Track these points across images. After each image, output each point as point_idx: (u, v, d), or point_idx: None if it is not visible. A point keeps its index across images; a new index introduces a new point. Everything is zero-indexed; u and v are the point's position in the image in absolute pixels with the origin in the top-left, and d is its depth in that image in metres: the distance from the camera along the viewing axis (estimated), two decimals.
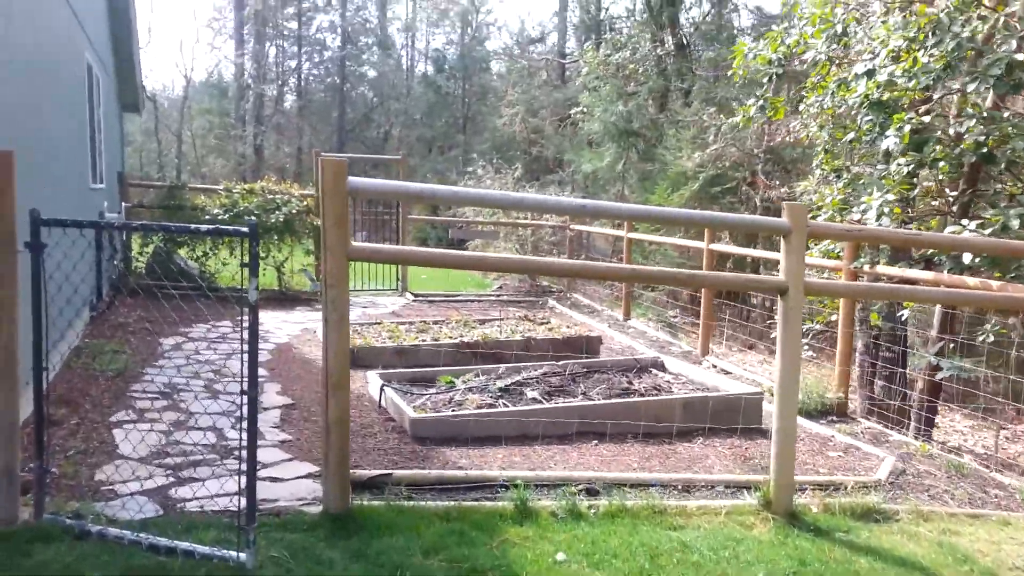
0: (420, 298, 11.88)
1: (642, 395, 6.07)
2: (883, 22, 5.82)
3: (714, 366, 8.73)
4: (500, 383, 6.07)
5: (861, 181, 6.68)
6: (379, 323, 8.64)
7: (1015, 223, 5.11)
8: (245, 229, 3.14)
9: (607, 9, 24.39)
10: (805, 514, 4.24)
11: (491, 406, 5.68)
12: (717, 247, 8.49)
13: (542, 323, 9.13)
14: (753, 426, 5.93)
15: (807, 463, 5.31)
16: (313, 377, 6.57)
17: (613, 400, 5.77)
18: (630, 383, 6.36)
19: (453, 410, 5.58)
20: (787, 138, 11.64)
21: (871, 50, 5.87)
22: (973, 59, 5.43)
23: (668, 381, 6.68)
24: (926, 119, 5.70)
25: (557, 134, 26.64)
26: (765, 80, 7.55)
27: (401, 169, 12.27)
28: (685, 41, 17.38)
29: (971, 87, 5.19)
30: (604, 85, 15.80)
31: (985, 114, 5.38)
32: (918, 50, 5.53)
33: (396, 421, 5.51)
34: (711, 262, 7.05)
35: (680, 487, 4.62)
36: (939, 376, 6.40)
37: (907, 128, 5.53)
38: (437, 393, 5.97)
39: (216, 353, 7.26)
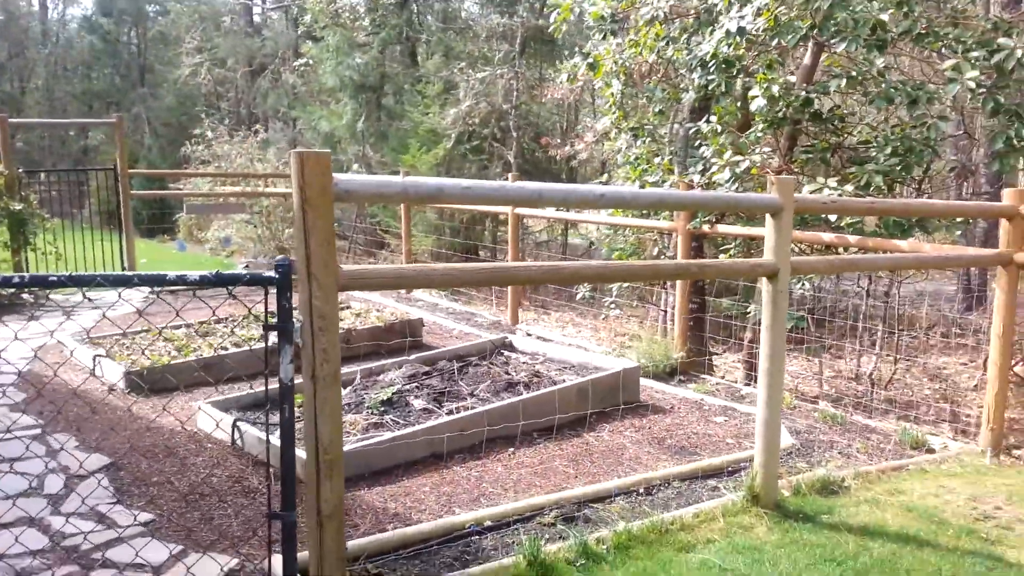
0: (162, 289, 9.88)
1: (527, 386, 5.49)
2: None
3: (528, 334, 8.43)
4: (377, 395, 5.06)
5: (699, 142, 6.64)
6: (148, 329, 6.89)
7: (878, 179, 5.35)
8: None
9: None
10: (784, 501, 4.03)
11: (379, 426, 4.70)
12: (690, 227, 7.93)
13: (340, 308, 8.03)
14: (637, 402, 5.71)
15: (709, 434, 5.19)
16: (111, 419, 4.95)
17: (513, 399, 5.10)
18: (507, 373, 5.72)
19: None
20: (553, 95, 11.54)
21: (728, 4, 5.74)
22: (822, 19, 5.52)
23: (530, 363, 6.16)
24: (792, 79, 5.76)
25: (253, 87, 24.29)
26: (597, 36, 7.16)
27: (119, 134, 9.95)
28: None
29: (840, 47, 5.28)
30: (332, 35, 14.41)
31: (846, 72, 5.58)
32: (778, 7, 5.52)
33: (273, 465, 4.28)
34: (687, 246, 6.57)
35: (641, 490, 4.17)
36: (753, 322, 6.69)
37: (775, 88, 5.51)
38: (301, 418, 4.78)
39: None
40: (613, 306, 8.77)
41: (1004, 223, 4.92)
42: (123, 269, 9.92)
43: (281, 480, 2.52)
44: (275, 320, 2.46)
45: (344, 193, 2.54)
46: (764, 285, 3.80)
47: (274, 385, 2.56)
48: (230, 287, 2.46)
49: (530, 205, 4.62)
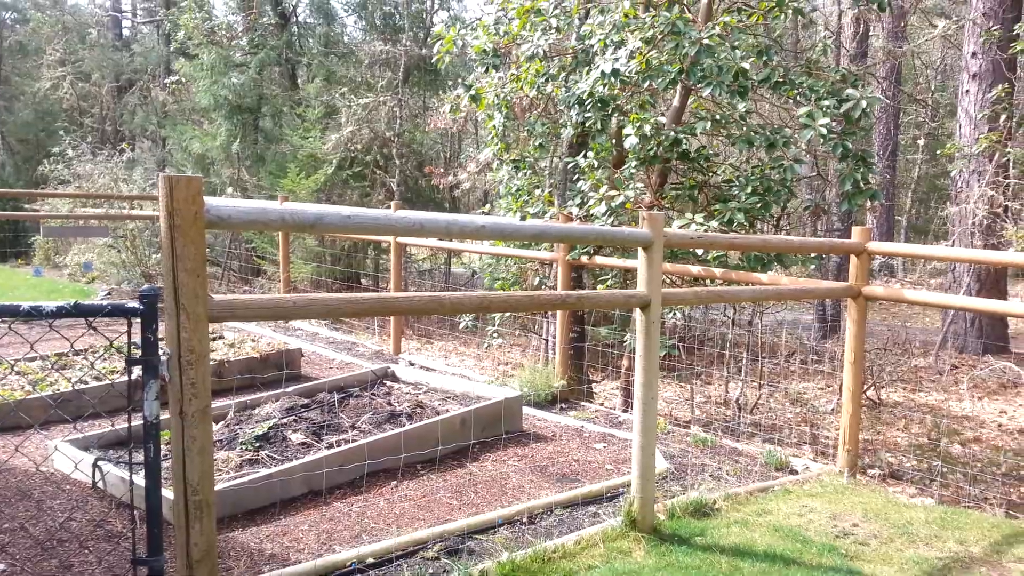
0: None
1: (410, 416, 5.45)
2: (616, 23, 5.97)
3: (411, 363, 8.39)
4: (252, 430, 4.88)
5: (577, 176, 6.86)
6: None
7: (740, 216, 5.70)
8: None
9: None
10: (660, 525, 4.18)
11: (254, 462, 4.53)
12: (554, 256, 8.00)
13: (213, 337, 7.71)
14: (519, 430, 5.79)
15: (589, 461, 5.32)
16: None
17: (395, 431, 5.05)
18: (389, 404, 5.66)
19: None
20: (438, 125, 11.60)
21: (603, 45, 5.99)
22: (689, 64, 5.86)
23: (411, 394, 6.12)
24: (662, 119, 6.05)
25: (119, 104, 23.10)
26: (480, 69, 7.28)
27: None
28: (288, 11, 16.24)
29: (706, 91, 5.62)
30: (208, 53, 13.93)
31: (714, 115, 5.93)
32: (649, 51, 5.81)
33: (138, 508, 4.03)
34: (567, 277, 6.60)
35: (524, 519, 4.22)
36: (629, 350, 6.96)
37: (647, 128, 5.78)
38: (168, 456, 4.54)
39: None
40: (496, 335, 8.85)
41: (853, 259, 5.35)
42: None
43: (147, 523, 2.40)
44: (139, 353, 2.34)
45: (217, 220, 2.47)
46: (638, 315, 3.96)
47: (138, 422, 2.44)
48: (90, 319, 2.33)
49: (413, 235, 4.62)
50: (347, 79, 14.33)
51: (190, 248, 2.33)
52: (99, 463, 4.20)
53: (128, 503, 4.02)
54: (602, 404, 7.44)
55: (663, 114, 7.21)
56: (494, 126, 7.76)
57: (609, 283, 7.48)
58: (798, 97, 5.82)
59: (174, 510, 2.50)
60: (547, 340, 8.71)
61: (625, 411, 7.04)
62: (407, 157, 13.51)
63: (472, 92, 7.26)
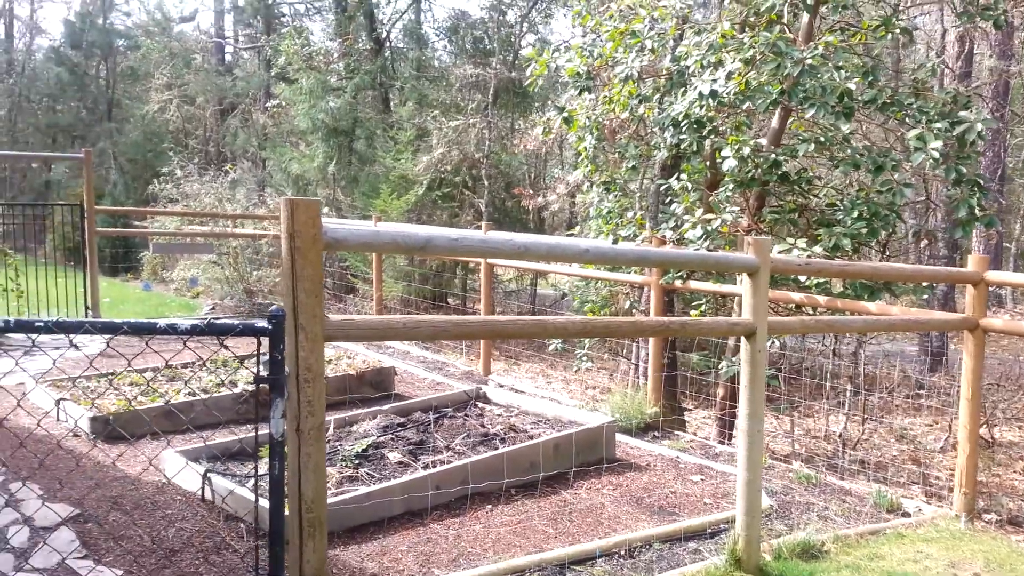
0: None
1: (503, 439, 5.45)
2: (713, 44, 5.89)
3: (500, 385, 8.40)
4: (351, 447, 4.98)
5: (669, 198, 6.77)
6: (113, 373, 6.71)
7: (846, 242, 5.50)
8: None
9: None
10: (766, 566, 4.03)
11: (353, 479, 4.61)
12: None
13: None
14: (613, 458, 5.70)
15: (687, 494, 5.19)
16: (75, 467, 4.78)
17: (490, 453, 5.06)
18: (483, 426, 5.68)
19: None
20: (527, 146, 11.69)
21: (700, 66, 5.93)
22: (791, 85, 5.71)
23: (503, 416, 6.13)
24: (762, 141, 5.92)
25: (222, 126, 24.20)
26: (573, 91, 7.30)
27: (87, 169, 9.80)
28: (383, 36, 16.72)
29: (809, 112, 5.47)
30: (306, 78, 14.47)
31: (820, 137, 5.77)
32: (748, 72, 5.70)
33: (243, 520, 4.16)
34: (660, 301, 6.59)
35: (623, 552, 4.14)
36: (725, 378, 6.77)
37: (746, 149, 5.66)
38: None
39: None
40: (585, 359, 8.78)
41: (970, 289, 5.07)
42: (86, 308, 9.67)
43: (269, 540, 2.45)
44: (266, 372, 2.41)
45: (334, 241, 2.54)
46: (742, 344, 3.85)
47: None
48: (221, 337, 2.42)
49: (516, 258, 4.65)
50: (438, 102, 14.62)
51: (308, 269, 2.40)
52: (209, 475, 4.35)
53: (237, 516, 4.15)
54: (695, 434, 7.27)
55: (759, 136, 7.06)
56: (585, 148, 7.76)
57: (703, 309, 7.33)
58: (906, 119, 5.60)
59: (288, 526, 2.55)
60: (636, 365, 8.59)
61: (721, 442, 6.85)
62: (495, 178, 13.65)
63: (564, 114, 7.27)
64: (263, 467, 4.75)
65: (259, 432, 4.96)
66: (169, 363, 7.11)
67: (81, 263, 9.88)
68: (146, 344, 2.67)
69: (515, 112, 15.43)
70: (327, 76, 14.86)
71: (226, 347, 2.52)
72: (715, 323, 4.04)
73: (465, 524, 4.40)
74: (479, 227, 12.44)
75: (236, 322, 2.41)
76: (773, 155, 5.83)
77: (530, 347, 11.69)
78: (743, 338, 3.82)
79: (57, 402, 5.83)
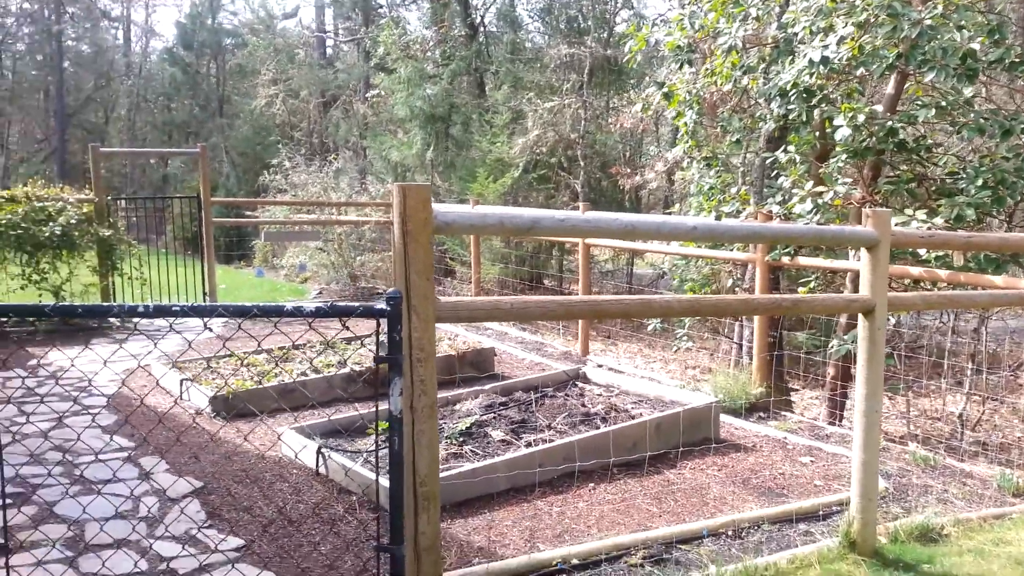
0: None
1: (604, 419, 5.43)
2: (823, 8, 5.62)
3: (599, 365, 8.36)
4: (455, 425, 5.08)
5: (776, 172, 6.53)
6: (231, 354, 7.06)
7: (969, 212, 5.17)
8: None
9: None
10: (882, 549, 3.87)
11: (458, 456, 4.70)
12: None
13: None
14: (717, 438, 5.59)
15: (795, 475, 5.03)
16: (199, 443, 5.07)
17: (591, 432, 5.05)
18: (583, 406, 5.67)
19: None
20: (623, 125, 11.53)
21: (809, 33, 5.66)
22: (909, 48, 5.39)
23: (603, 396, 6.10)
24: (877, 108, 5.63)
25: (325, 117, 24.95)
26: (675, 66, 7.14)
27: (203, 163, 10.32)
28: (476, 22, 16.80)
29: (929, 76, 5.15)
30: (404, 67, 14.73)
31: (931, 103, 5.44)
32: (862, 36, 5.41)
33: (355, 494, 4.31)
34: (766, 279, 6.46)
35: (730, 532, 4.06)
36: (836, 357, 6.49)
37: (860, 117, 5.38)
38: (382, 446, 4.82)
39: (29, 415, 5.38)
40: (685, 338, 8.62)
41: None
42: (204, 294, 10.22)
43: (390, 513, 2.53)
44: (385, 352, 2.48)
45: (444, 225, 2.58)
46: (860, 322, 3.68)
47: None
48: (343, 318, 2.51)
49: (623, 238, 4.60)
50: (532, 84, 14.60)
51: (420, 252, 2.44)
52: (322, 451, 4.53)
53: (349, 490, 4.31)
54: (802, 415, 7.04)
55: (873, 103, 6.70)
56: (685, 123, 7.57)
57: (812, 286, 7.06)
58: None
59: (404, 501, 2.62)
60: (740, 344, 8.38)
61: (831, 423, 6.61)
62: (590, 158, 13.54)
63: (665, 90, 7.11)
64: (372, 443, 4.91)
65: (373, 410, 5.12)
66: (296, 344, 7.43)
67: (197, 252, 10.43)
68: (274, 326, 2.80)
69: (610, 90, 15.24)
70: (424, 64, 15.07)
71: (347, 328, 2.62)
72: (831, 300, 3.88)
73: (568, 501, 4.41)
74: (576, 207, 12.38)
75: (356, 304, 2.48)
76: (889, 122, 5.52)
77: (627, 327, 11.58)
78: (860, 315, 3.66)
79: (181, 382, 6.19)
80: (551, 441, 4.90)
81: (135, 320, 9.06)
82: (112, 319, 8.98)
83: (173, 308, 2.31)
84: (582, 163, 13.24)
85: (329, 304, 2.43)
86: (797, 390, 8.49)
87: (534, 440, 4.97)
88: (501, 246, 13.70)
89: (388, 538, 2.53)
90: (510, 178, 13.15)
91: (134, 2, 33.66)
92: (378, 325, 2.49)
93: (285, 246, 13.33)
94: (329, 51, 27.95)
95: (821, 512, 4.38)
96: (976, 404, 7.81)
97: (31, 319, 8.69)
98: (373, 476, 4.24)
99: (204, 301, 10.34)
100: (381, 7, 23.35)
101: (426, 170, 14.58)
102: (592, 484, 4.67)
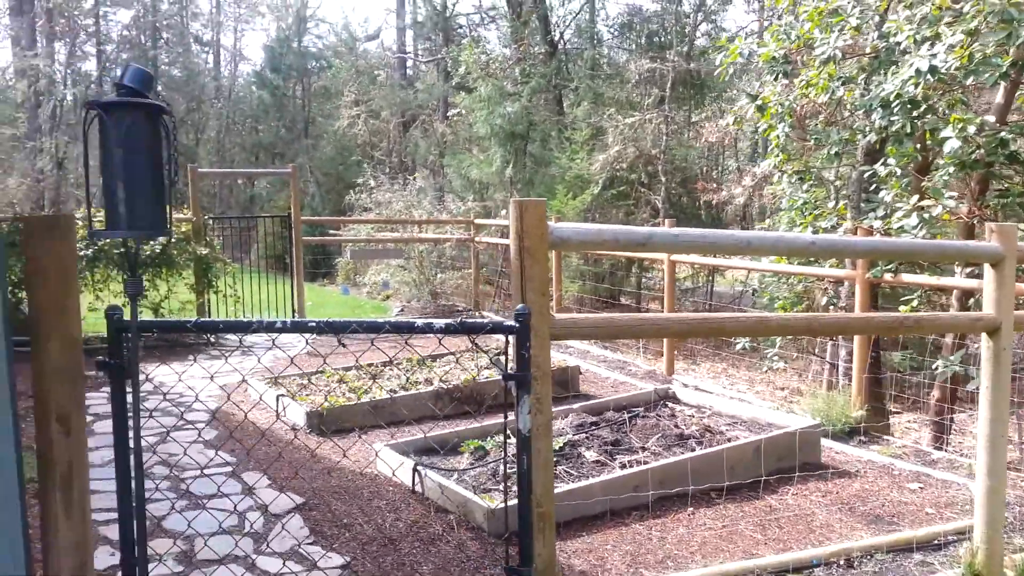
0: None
1: (699, 441, 5.30)
2: (928, 16, 5.41)
3: (686, 385, 8.19)
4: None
5: (875, 185, 6.29)
6: (322, 371, 7.21)
7: None
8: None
9: (454, 5, 23.38)
10: None
11: (553, 477, 4.64)
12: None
13: (498, 352, 8.09)
14: (818, 463, 5.39)
15: (904, 502, 4.79)
16: (297, 459, 5.18)
17: (687, 455, 4.93)
18: (676, 427, 5.55)
19: (509, 486, 4.51)
20: (708, 139, 11.36)
21: (912, 42, 5.45)
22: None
23: (695, 417, 5.95)
24: (989, 118, 5.38)
25: (405, 137, 25.43)
26: (770, 78, 6.99)
27: (293, 183, 10.63)
28: (556, 39, 16.87)
29: None
30: (484, 85, 14.89)
31: None
32: (972, 43, 5.18)
33: (451, 512, 4.32)
34: (866, 296, 6.28)
35: (841, 562, 3.89)
36: (971, 385, 6.15)
37: (971, 128, 5.14)
38: (476, 465, 4.83)
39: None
40: (776, 358, 8.37)
41: None
42: (293, 311, 10.49)
43: (520, 535, 2.51)
44: (513, 369, 2.47)
45: (559, 241, 2.57)
46: (984, 342, 3.49)
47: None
48: (472, 335, 2.52)
49: (739, 253, 4.52)
50: (612, 100, 14.54)
51: (537, 269, 2.43)
52: (418, 468, 4.56)
53: (445, 508, 4.31)
54: (900, 438, 6.73)
55: (980, 113, 6.40)
56: (777, 136, 7.39)
57: (915, 304, 6.76)
58: None
59: (519, 521, 2.60)
60: (835, 365, 8.08)
61: (937, 447, 6.30)
62: (671, 174, 13.37)
63: (759, 102, 6.95)
64: (465, 461, 4.91)
65: (465, 427, 5.11)
66: (391, 360, 7.53)
67: (283, 270, 10.72)
68: (405, 342, 2.82)
69: (691, 104, 15.04)
70: (503, 82, 15.21)
71: (476, 345, 2.65)
72: (953, 318, 3.71)
73: (667, 526, 4.31)
74: (656, 224, 12.22)
75: (485, 320, 2.50)
76: (1001, 133, 5.25)
77: (710, 345, 11.33)
78: (984, 335, 3.47)
79: (278, 399, 6.33)
80: (646, 463, 4.80)
81: (230, 336, 9.37)
82: (208, 335, 9.29)
83: (309, 324, 2.35)
84: (663, 179, 13.08)
85: (460, 322, 2.43)
86: (899, 412, 8.13)
87: (628, 461, 4.88)
88: (580, 263, 13.65)
89: (517, 560, 2.51)
90: (589, 195, 13.11)
91: (224, 27, 35.17)
92: (507, 343, 2.48)
93: (368, 264, 13.58)
94: (409, 71, 28.55)
95: (938, 541, 4.16)
96: None
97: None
98: (469, 495, 4.24)
99: (293, 317, 10.61)
100: (461, 27, 23.72)
101: (505, 187, 14.67)
102: (691, 508, 4.55)
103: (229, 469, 4.88)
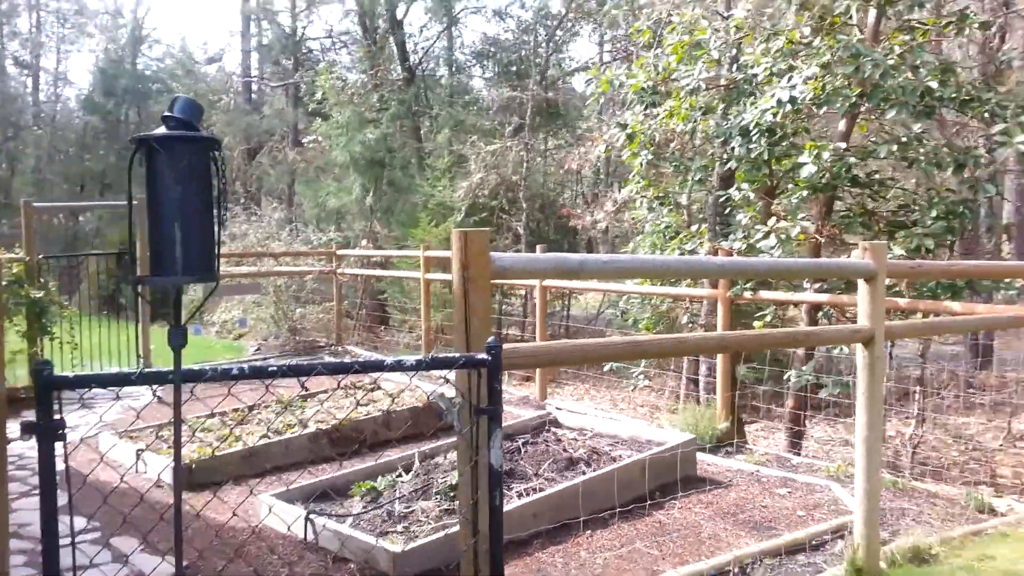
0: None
1: (587, 463, 5.38)
2: (783, 50, 5.85)
3: (560, 408, 8.31)
4: (443, 479, 4.92)
5: (729, 209, 6.71)
6: (183, 421, 6.67)
7: (929, 242, 5.41)
8: None
9: (304, 29, 22.77)
10: (884, 573, 3.92)
11: (451, 512, 4.55)
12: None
13: (371, 388, 7.87)
14: (695, 476, 5.62)
15: (777, 507, 5.09)
16: (168, 517, 4.74)
17: (580, 478, 4.99)
18: (564, 451, 5.61)
19: (406, 527, 4.38)
20: (570, 166, 11.69)
21: (768, 74, 5.88)
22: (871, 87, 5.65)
23: (580, 440, 6.05)
24: (841, 145, 5.86)
25: (250, 165, 24.46)
26: (640, 108, 7.28)
27: (139, 216, 9.86)
28: (414, 65, 16.87)
29: (890, 113, 5.41)
30: (343, 112, 14.60)
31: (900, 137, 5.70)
32: (824, 76, 5.65)
33: (352, 561, 4.11)
34: (728, 314, 6.48)
35: (736, 570, 4.05)
36: (823, 392, 6.65)
37: (826, 155, 5.60)
38: (369, 508, 4.64)
39: None
40: (642, 377, 8.69)
41: None
42: (139, 357, 9.66)
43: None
44: (487, 404, 2.38)
45: (501, 270, 2.59)
46: (859, 351, 3.77)
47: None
48: (445, 370, 2.45)
49: (660, 276, 4.66)
50: (473, 127, 14.68)
51: (480, 299, 2.40)
52: (311, 517, 4.31)
53: (343, 556, 4.10)
54: (763, 446, 7.16)
55: (824, 139, 7.00)
56: (639, 163, 7.72)
57: (769, 319, 7.23)
58: (985, 115, 5.51)
59: (464, 559, 2.52)
60: (696, 380, 8.48)
61: (796, 453, 6.74)
62: (531, 200, 13.65)
63: (628, 131, 7.25)
64: (360, 506, 4.70)
65: (349, 470, 4.88)
66: (251, 405, 7.07)
67: (119, 311, 9.84)
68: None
69: (547, 132, 15.46)
70: (362, 109, 14.97)
71: (447, 380, 2.55)
72: (836, 331, 4.01)
73: (569, 551, 4.33)
74: (518, 250, 12.41)
75: (457, 355, 2.38)
76: (850, 159, 5.76)
77: (571, 368, 11.61)
78: (860, 345, 3.74)
79: (137, 453, 5.82)
80: (542, 490, 4.81)
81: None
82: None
83: (269, 369, 2.19)
84: (524, 204, 13.33)
85: (430, 358, 2.32)
86: (755, 421, 8.64)
87: (525, 490, 4.86)
88: (445, 291, 13.60)
89: None
90: (452, 222, 13.12)
91: (46, 48, 32.43)
92: (479, 376, 2.39)
93: (217, 301, 12.85)
94: (254, 96, 27.52)
95: (815, 542, 4.44)
96: (925, 426, 8.10)
97: None
98: (372, 541, 4.05)
99: (139, 365, 9.75)
100: (312, 51, 23.18)
101: (365, 216, 14.42)
102: (588, 531, 4.59)
103: (96, 535, 4.41)
